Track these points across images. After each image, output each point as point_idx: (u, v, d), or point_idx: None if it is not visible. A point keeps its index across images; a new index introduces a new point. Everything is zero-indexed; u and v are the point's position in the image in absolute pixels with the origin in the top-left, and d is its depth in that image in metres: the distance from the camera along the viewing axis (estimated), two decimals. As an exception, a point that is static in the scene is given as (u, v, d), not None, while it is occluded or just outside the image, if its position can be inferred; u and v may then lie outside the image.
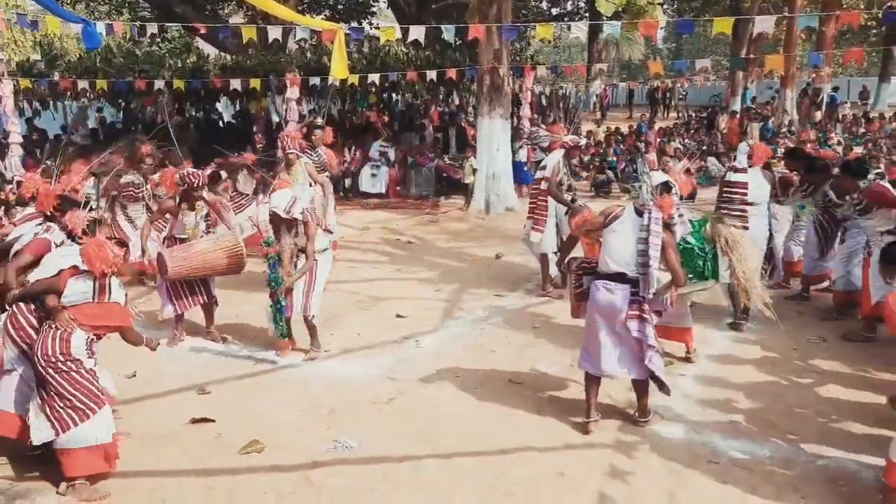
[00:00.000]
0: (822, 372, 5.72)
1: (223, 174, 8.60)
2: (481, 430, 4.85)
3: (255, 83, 12.93)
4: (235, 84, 13.02)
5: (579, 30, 13.53)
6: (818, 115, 22.77)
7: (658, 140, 17.86)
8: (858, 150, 15.83)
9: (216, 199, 6.83)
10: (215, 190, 7.65)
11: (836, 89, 26.22)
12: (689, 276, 5.43)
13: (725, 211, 6.23)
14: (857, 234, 6.68)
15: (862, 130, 20.08)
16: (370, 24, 28.00)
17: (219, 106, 19.13)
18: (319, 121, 10.37)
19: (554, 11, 32.45)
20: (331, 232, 8.04)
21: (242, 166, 9.62)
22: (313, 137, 8.79)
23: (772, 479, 4.24)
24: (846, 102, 26.27)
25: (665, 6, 10.76)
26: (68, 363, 4.07)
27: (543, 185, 7.66)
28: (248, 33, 9.55)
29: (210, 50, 18.46)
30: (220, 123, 18.61)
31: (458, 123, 17.58)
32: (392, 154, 14.74)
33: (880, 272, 4.72)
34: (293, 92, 12.46)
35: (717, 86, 35.04)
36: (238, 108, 18.62)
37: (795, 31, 22.16)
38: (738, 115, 21.89)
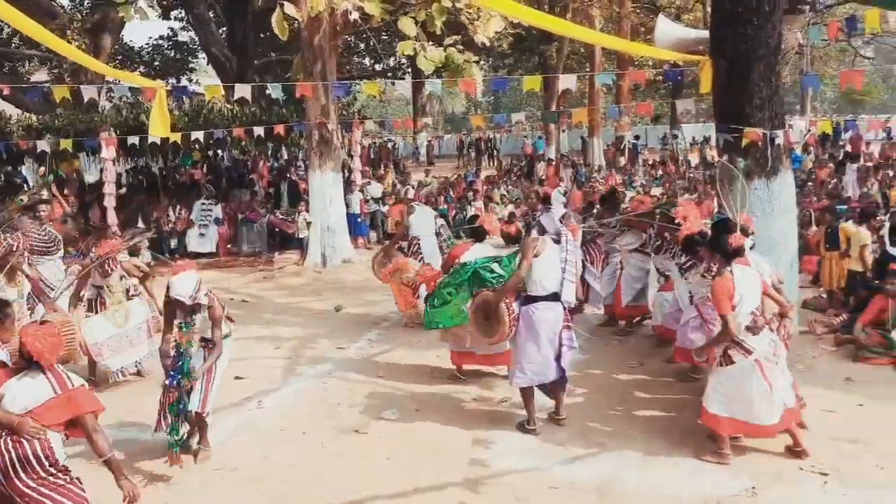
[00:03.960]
0: (643, 396, 6.25)
1: None
2: (333, 484, 4.83)
3: (65, 144, 12.16)
4: (44, 145, 12.17)
5: (403, 87, 13.95)
6: (622, 160, 25.09)
7: (485, 188, 18.81)
8: (658, 191, 17.63)
9: (37, 276, 6.25)
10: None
11: (637, 137, 28.98)
12: None
13: None
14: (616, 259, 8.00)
15: (660, 173, 22.31)
16: (189, 80, 27.37)
17: (23, 169, 17.68)
18: (45, 193, 9.07)
19: (377, 67, 33.44)
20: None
21: None
22: (40, 213, 7.66)
23: (608, 496, 4.58)
24: (645, 148, 29.13)
25: (482, 63, 11.47)
26: (60, 476, 3.48)
27: None
28: (61, 93, 8.99)
29: (11, 109, 17.12)
30: (25, 188, 17.18)
31: (289, 177, 17.48)
32: (218, 212, 14.33)
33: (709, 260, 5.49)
34: (109, 152, 11.90)
35: (533, 135, 37.39)
36: (44, 170, 17.32)
37: (596, 87, 24.42)
38: (553, 163, 23.60)
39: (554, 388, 5.56)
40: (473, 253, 6.10)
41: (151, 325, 6.85)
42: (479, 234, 6.30)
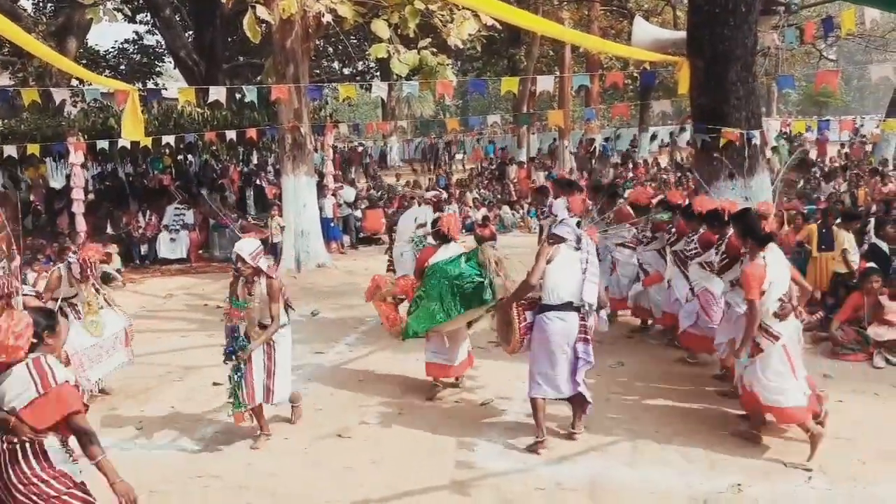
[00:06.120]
0: (626, 395, 6.25)
1: None
2: (318, 491, 4.76)
3: (32, 149, 11.87)
4: (10, 150, 11.86)
5: (377, 90, 13.82)
6: (593, 162, 25.26)
7: (457, 191, 18.81)
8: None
9: None
10: None
11: (607, 140, 29.22)
12: (479, 302, 5.73)
13: None
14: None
15: (630, 175, 22.50)
16: (156, 84, 26.97)
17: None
18: None
19: (346, 71, 33.30)
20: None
21: None
22: None
23: (594, 495, 4.57)
24: (615, 151, 29.33)
25: (451, 66, 11.45)
26: (58, 482, 3.19)
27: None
28: (31, 96, 8.75)
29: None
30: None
31: (256, 183, 17.31)
32: (190, 217, 14.14)
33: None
34: (77, 157, 11.65)
35: (506, 139, 37.52)
36: (8, 176, 16.89)
37: (567, 89, 24.56)
38: (525, 166, 23.67)
39: (573, 401, 5.35)
40: (440, 256, 5.99)
41: (129, 335, 6.69)
42: (442, 237, 6.15)
